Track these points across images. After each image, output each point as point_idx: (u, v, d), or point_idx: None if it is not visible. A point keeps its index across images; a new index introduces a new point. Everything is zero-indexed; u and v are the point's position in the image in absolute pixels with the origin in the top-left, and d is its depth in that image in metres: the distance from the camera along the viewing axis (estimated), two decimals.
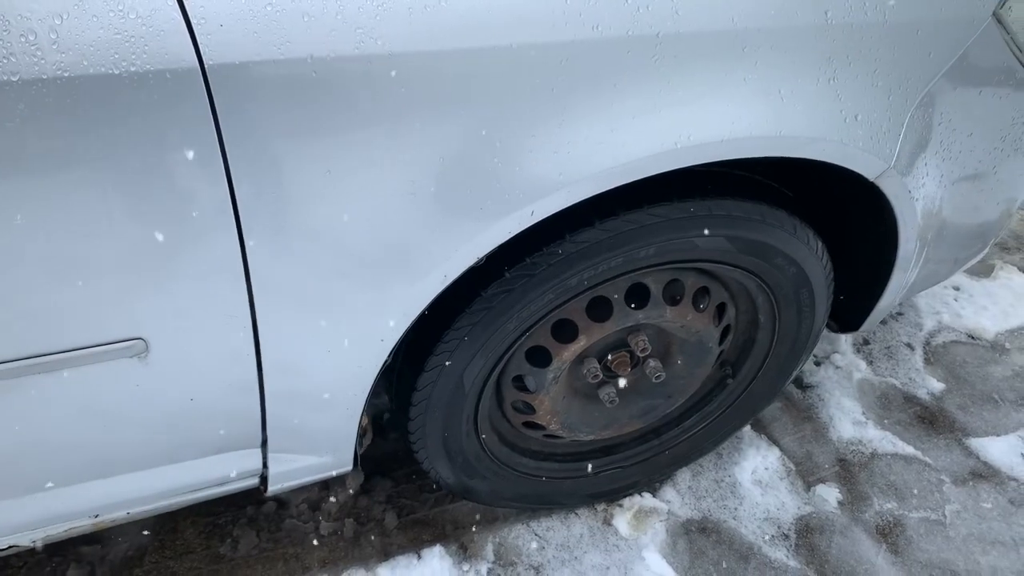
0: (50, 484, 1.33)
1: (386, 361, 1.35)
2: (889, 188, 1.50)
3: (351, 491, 1.92)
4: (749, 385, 1.90)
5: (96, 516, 1.43)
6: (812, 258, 1.61)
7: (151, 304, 1.12)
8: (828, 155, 1.38)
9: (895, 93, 1.38)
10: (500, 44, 1.09)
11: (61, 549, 1.79)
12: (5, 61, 0.90)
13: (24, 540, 1.41)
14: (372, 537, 1.87)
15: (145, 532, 1.85)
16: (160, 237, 1.07)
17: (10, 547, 1.43)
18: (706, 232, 1.46)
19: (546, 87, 1.12)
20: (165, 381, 1.22)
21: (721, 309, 1.71)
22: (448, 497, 1.96)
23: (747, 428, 2.18)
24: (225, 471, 1.44)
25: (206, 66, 0.96)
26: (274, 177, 1.07)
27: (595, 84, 1.15)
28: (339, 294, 1.23)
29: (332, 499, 1.92)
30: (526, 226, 1.23)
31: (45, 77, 0.91)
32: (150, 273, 1.09)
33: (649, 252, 1.44)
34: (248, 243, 1.11)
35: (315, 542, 1.85)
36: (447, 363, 1.47)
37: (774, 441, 2.15)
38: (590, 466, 1.87)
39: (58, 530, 1.43)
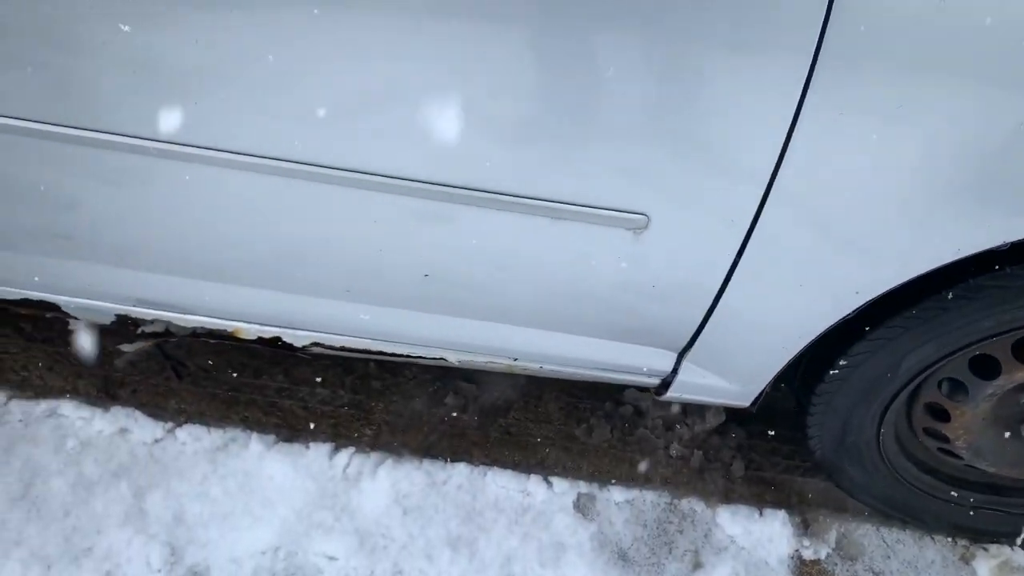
0: (502, 319, 1.45)
1: (844, 317, 1.30)
2: None
3: (708, 427, 1.93)
4: None
5: (515, 360, 1.55)
6: None
7: (669, 189, 1.16)
8: None
9: None
10: None
11: (446, 378, 1.99)
12: None
13: (452, 357, 1.57)
14: (717, 477, 1.87)
15: (513, 389, 1.99)
16: (695, 143, 1.10)
17: (439, 358, 1.59)
18: None
19: None
20: (643, 262, 1.27)
21: None
22: (799, 469, 1.90)
23: None
24: (640, 362, 1.49)
25: None
26: (842, 111, 1.04)
27: None
28: (834, 238, 1.19)
29: (686, 426, 1.94)
30: None
31: None
32: (679, 161, 1.13)
33: None
34: (780, 172, 1.10)
35: (662, 459, 1.89)
36: (894, 338, 1.39)
37: None
38: (972, 498, 1.72)
39: (479, 359, 1.57)
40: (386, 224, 1.26)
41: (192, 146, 1.17)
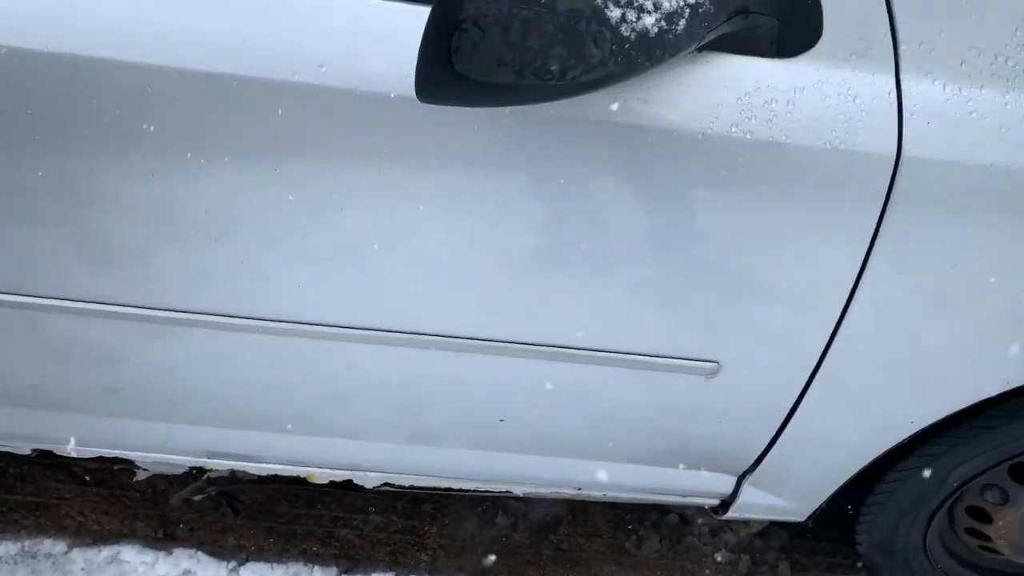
0: (571, 454, 1.52)
1: (900, 442, 1.40)
2: None
3: (752, 530, 2.00)
4: None
5: (579, 488, 1.62)
6: None
7: (740, 337, 1.26)
8: None
9: None
10: None
11: (494, 496, 2.04)
12: (713, 122, 1.05)
13: (518, 490, 1.64)
14: None
15: (560, 505, 2.05)
16: (766, 291, 1.21)
17: (505, 492, 1.65)
18: None
19: None
20: (712, 401, 1.36)
21: None
22: (842, 566, 1.98)
23: None
24: (702, 487, 1.57)
25: (902, 155, 1.06)
26: (905, 261, 1.15)
27: None
28: (893, 375, 1.29)
29: (731, 531, 2.01)
30: None
31: (776, 141, 1.05)
32: (749, 313, 1.23)
33: None
34: (848, 316, 1.21)
35: (711, 566, 1.95)
36: (941, 455, 1.49)
37: None
38: None
39: (545, 490, 1.63)
40: (472, 381, 1.34)
41: (252, 318, 1.26)
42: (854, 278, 1.18)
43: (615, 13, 0.83)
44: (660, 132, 1.05)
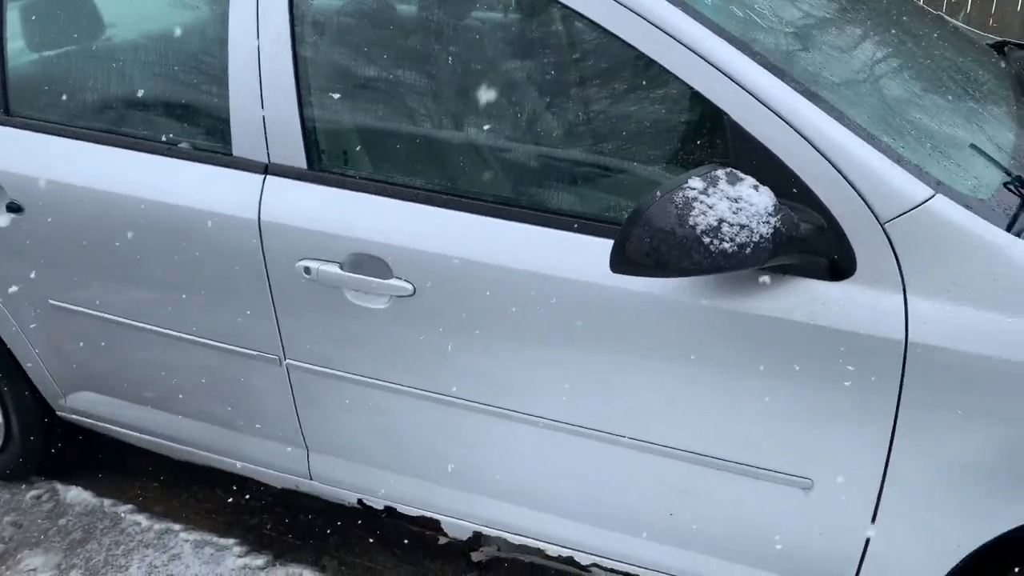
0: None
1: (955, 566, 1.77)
2: None
3: None
4: None
5: None
6: None
7: (827, 465, 1.80)
8: None
9: None
10: None
11: None
12: None
13: None
14: None
15: None
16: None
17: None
18: None
19: None
20: (804, 512, 1.85)
21: None
22: None
23: None
24: None
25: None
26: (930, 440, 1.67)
27: None
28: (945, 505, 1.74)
29: None
30: None
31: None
32: (837, 452, 1.77)
33: None
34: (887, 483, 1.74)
35: None
36: None
37: None
38: None
39: None
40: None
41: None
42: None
43: (705, 240, 1.50)
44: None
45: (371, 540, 2.75)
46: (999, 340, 1.58)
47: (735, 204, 1.55)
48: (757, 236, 1.55)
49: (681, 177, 1.56)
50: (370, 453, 2.30)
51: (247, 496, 2.91)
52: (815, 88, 1.71)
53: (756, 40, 1.76)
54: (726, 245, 1.54)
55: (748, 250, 1.55)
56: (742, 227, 1.54)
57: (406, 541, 2.71)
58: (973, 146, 1.86)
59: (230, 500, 2.90)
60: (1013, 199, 1.75)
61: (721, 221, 1.54)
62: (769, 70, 1.69)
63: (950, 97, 2.07)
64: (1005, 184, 1.78)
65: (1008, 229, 1.63)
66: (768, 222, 1.55)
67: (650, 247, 1.53)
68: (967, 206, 1.63)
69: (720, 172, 1.58)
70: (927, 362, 1.62)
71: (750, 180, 1.59)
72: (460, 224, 1.92)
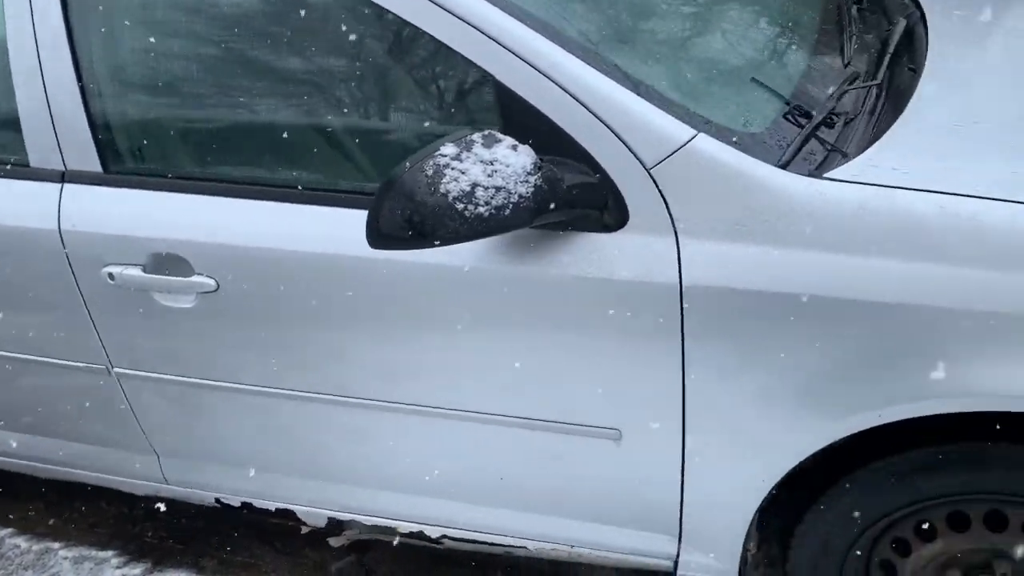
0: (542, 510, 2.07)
1: (770, 493, 1.79)
2: None
3: None
4: None
5: (572, 547, 2.17)
6: None
7: (631, 415, 1.81)
8: None
9: None
10: None
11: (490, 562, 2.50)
12: None
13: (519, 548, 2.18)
14: None
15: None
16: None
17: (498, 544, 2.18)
18: None
19: None
20: (623, 462, 1.87)
21: None
22: None
23: None
24: (641, 546, 2.02)
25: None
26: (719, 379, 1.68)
27: None
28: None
29: None
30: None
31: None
32: (638, 400, 1.78)
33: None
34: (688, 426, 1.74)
35: None
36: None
37: None
38: None
39: (543, 546, 2.15)
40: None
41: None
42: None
43: (459, 206, 1.47)
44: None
45: (253, 536, 2.74)
46: (766, 273, 1.58)
47: (490, 167, 1.52)
48: (516, 196, 1.52)
49: (434, 144, 1.53)
50: (218, 452, 2.27)
51: (129, 507, 2.88)
52: (579, 40, 1.69)
53: None
54: (481, 209, 1.51)
55: (507, 211, 1.52)
56: (498, 189, 1.51)
57: (287, 535, 2.69)
58: (754, 79, 1.83)
59: (113, 512, 2.88)
60: (792, 129, 1.73)
61: (475, 185, 1.51)
62: (529, 25, 1.66)
63: (747, 33, 2.05)
64: (784, 115, 1.76)
65: (782, 159, 1.62)
66: (527, 181, 1.53)
67: (403, 219, 1.49)
68: (736, 142, 1.61)
69: (476, 136, 1.54)
70: (703, 302, 1.62)
71: (508, 141, 1.56)
72: (253, 213, 1.89)
